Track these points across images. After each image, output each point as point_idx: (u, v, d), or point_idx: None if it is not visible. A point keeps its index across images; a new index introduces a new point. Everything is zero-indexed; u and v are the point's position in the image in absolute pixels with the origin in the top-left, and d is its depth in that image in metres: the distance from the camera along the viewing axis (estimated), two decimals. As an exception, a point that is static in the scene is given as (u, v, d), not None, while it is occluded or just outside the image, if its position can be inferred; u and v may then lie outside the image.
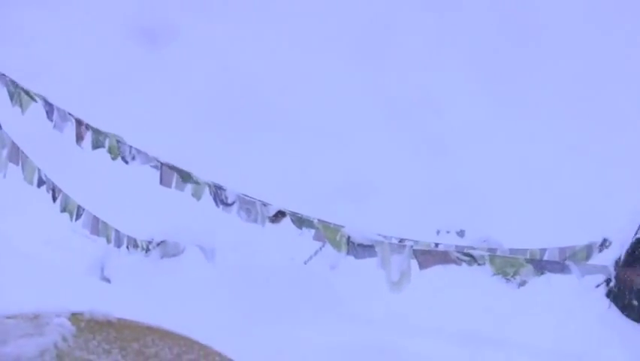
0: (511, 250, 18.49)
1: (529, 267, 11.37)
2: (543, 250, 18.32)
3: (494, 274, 18.54)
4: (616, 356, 12.50)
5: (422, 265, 11.22)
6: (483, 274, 16.88)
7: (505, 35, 32.62)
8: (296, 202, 13.92)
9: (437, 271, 13.30)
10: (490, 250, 17.43)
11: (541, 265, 12.03)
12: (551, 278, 12.88)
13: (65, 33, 32.85)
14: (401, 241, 13.96)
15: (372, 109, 30.46)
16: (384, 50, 33.19)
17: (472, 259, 11.38)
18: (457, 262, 11.35)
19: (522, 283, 17.62)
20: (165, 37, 33.74)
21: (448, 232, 25.84)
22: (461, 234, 25.99)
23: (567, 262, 12.13)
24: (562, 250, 18.50)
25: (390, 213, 24.07)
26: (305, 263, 18.56)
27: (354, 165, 27.25)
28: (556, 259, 16.95)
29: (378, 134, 29.17)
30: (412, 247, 11.44)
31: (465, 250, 12.31)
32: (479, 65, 31.53)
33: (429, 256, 11.32)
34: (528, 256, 16.35)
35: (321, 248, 17.37)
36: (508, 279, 18.90)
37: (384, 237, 12.43)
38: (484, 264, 11.43)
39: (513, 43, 32.36)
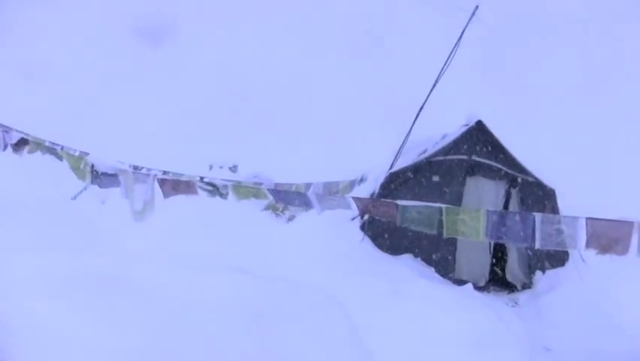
0: (277, 185, 19.04)
1: (271, 197, 11.71)
2: (308, 185, 18.99)
3: (264, 209, 19.15)
4: (370, 283, 13.05)
5: (166, 194, 11.25)
6: (254, 209, 17.42)
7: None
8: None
9: (209, 205, 13.58)
10: (256, 183, 17.90)
11: (281, 195, 12.38)
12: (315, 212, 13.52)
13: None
14: (147, 170, 13.96)
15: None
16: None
17: (215, 189, 11.53)
18: (198, 192, 11.42)
19: (290, 218, 18.26)
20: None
21: (221, 167, 26.08)
22: (234, 169, 26.28)
23: (309, 195, 12.54)
24: (326, 184, 19.24)
25: (160, 147, 23.98)
26: (74, 198, 18.13)
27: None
28: (321, 193, 17.65)
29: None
30: (155, 176, 11.37)
31: (207, 180, 12.43)
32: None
33: (172, 185, 11.35)
34: (294, 190, 16.98)
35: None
36: (277, 214, 19.57)
37: (129, 166, 12.30)
38: (227, 193, 11.63)
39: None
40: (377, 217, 12.46)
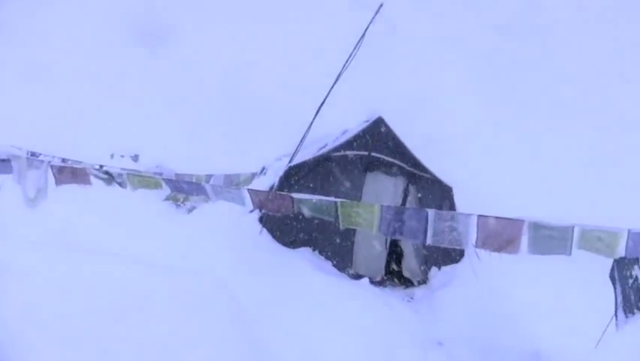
0: (178, 175, 18.84)
1: (166, 187, 11.60)
2: (209, 176, 18.87)
3: (165, 200, 18.94)
4: (266, 275, 13.04)
5: (59, 182, 11.04)
6: (155, 200, 17.20)
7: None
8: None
9: (108, 194, 13.33)
10: (156, 173, 17.66)
11: (176, 186, 12.27)
12: (218, 205, 13.42)
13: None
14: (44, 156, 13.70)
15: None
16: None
17: (110, 178, 11.37)
18: (92, 180, 11.23)
19: (191, 209, 18.12)
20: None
21: (122, 156, 25.75)
22: (135, 158, 25.97)
23: (205, 186, 12.47)
24: (227, 176, 19.17)
25: (62, 135, 23.56)
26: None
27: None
28: (221, 184, 17.56)
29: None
30: (49, 162, 11.14)
31: (103, 169, 12.24)
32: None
33: (66, 173, 11.13)
34: (194, 180, 16.84)
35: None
36: (178, 205, 19.39)
37: (27, 152, 12.05)
38: (123, 182, 11.47)
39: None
40: (271, 212, 12.42)
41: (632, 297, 12.31)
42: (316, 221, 13.48)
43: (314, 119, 16.52)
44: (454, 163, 20.28)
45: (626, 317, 12.34)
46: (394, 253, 17.53)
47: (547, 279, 14.55)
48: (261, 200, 11.88)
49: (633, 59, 30.35)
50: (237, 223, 15.44)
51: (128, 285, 8.33)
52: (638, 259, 12.03)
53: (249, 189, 12.18)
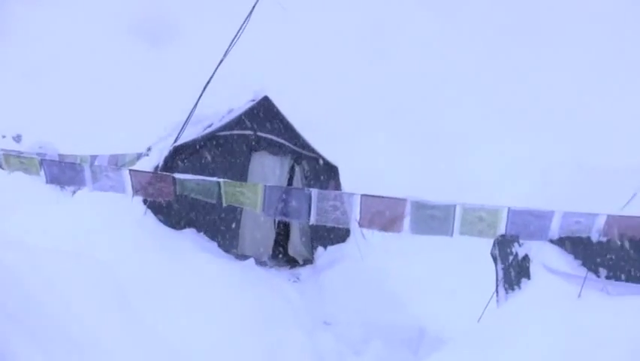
0: (61, 156, 18.43)
1: (41, 169, 11.30)
2: (94, 157, 18.50)
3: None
4: (150, 256, 12.83)
5: None
6: (38, 182, 16.71)
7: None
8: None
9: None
10: (39, 154, 17.18)
11: (55, 174, 11.97)
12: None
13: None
14: None
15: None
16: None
17: None
18: None
19: (75, 191, 17.69)
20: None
21: (4, 137, 25.11)
22: (17, 139, 25.34)
23: (84, 168, 12.21)
24: (112, 156, 18.81)
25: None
26: None
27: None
28: (106, 164, 17.20)
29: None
30: None
31: None
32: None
33: None
34: (79, 161, 16.48)
35: None
36: (62, 186, 18.92)
37: None
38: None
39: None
40: (151, 198, 12.23)
41: (513, 273, 12.64)
42: (202, 202, 13.36)
43: (200, 97, 16.34)
44: (340, 143, 20.43)
45: (507, 293, 12.67)
46: (280, 233, 17.51)
47: (431, 257, 14.82)
48: (141, 183, 11.65)
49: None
50: (121, 205, 15.15)
51: (8, 269, 8.03)
52: (518, 236, 12.37)
53: (131, 170, 11.95)
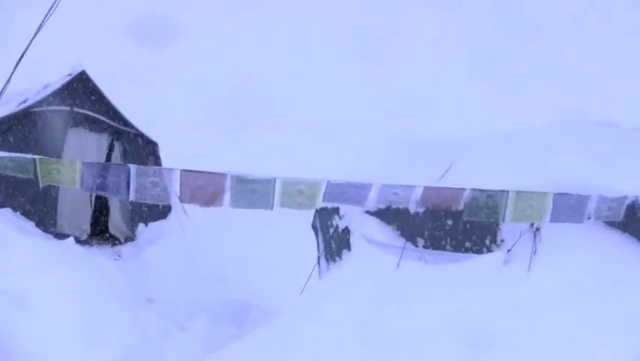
0: None
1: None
2: None
3: None
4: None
5: None
6: None
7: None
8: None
9: None
10: None
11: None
12: None
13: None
14: None
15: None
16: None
17: None
18: None
19: None
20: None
21: None
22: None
23: None
24: None
25: None
26: None
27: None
28: None
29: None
30: None
31: None
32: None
33: None
34: None
35: None
36: None
37: None
38: None
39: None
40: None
41: (334, 245, 12.92)
42: (16, 180, 12.91)
43: (13, 72, 15.69)
44: (162, 118, 20.29)
45: (328, 264, 12.95)
46: (101, 211, 17.18)
47: (254, 231, 14.94)
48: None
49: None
50: None
51: None
52: (338, 208, 12.63)
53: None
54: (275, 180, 10.67)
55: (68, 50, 22.05)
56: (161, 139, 17.62)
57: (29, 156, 11.21)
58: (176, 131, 24.03)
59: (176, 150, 17.25)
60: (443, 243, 13.00)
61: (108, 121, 16.78)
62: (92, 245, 16.34)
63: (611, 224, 12.47)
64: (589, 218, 12.20)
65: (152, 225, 16.88)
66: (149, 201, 10.92)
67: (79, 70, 16.64)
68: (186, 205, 13.30)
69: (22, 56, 15.82)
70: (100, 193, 13.44)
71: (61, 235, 15.47)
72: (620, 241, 12.49)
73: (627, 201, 12.24)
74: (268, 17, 33.83)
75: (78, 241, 15.32)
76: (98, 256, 15.21)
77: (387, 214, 12.83)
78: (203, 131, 25.74)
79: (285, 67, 30.07)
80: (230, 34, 32.48)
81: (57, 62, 17.72)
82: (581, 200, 11.96)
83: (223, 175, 10.43)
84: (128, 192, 10.53)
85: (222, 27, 32.76)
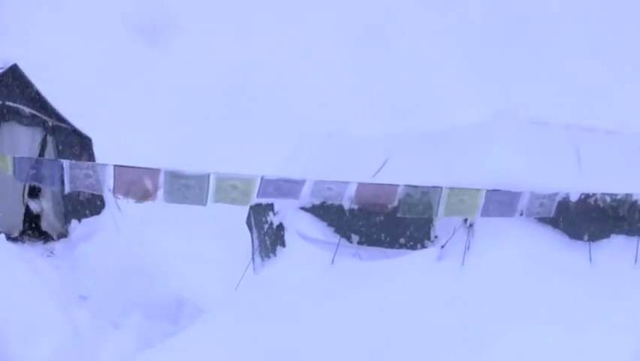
0: None
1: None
2: None
3: None
4: None
5: None
6: None
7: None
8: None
9: None
10: None
11: None
12: None
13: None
14: None
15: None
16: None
17: None
18: None
19: None
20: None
21: None
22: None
23: None
24: None
25: None
26: None
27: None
28: None
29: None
30: None
31: None
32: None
33: None
34: None
35: None
36: None
37: None
38: None
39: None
40: None
41: (268, 241, 12.95)
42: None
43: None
44: (96, 114, 20.16)
45: (263, 260, 12.98)
46: (32, 207, 16.92)
47: (187, 227, 14.87)
48: None
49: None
50: None
51: None
52: (272, 205, 12.67)
53: None
54: (209, 175, 10.69)
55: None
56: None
57: (-42, 152, 11.05)
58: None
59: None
60: (378, 239, 13.11)
61: (42, 116, 16.51)
62: (24, 242, 16.10)
63: (543, 220, 12.71)
64: (521, 214, 12.43)
65: (85, 221, 16.66)
66: (84, 190, 10.84)
67: (10, 64, 16.34)
68: (120, 201, 13.24)
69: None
70: (33, 185, 13.22)
71: (-9, 233, 15.28)
72: (551, 237, 12.77)
73: (558, 198, 12.47)
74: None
75: (9, 237, 15.09)
76: (30, 253, 15.04)
77: (322, 211, 12.90)
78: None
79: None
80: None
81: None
82: (513, 196, 12.19)
83: (157, 170, 10.42)
84: (63, 188, 10.48)
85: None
